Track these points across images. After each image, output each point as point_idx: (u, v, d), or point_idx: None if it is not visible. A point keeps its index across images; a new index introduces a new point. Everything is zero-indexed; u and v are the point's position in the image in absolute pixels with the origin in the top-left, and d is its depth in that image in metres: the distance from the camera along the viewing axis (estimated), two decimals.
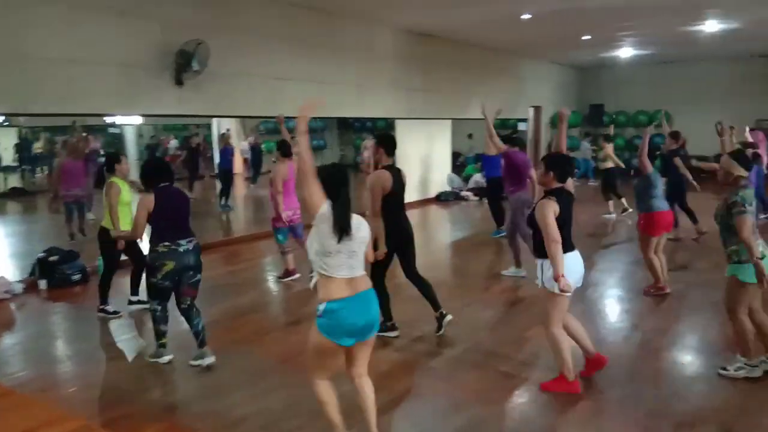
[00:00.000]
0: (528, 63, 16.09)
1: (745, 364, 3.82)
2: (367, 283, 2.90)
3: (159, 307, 4.16)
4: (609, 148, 10.60)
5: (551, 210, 3.48)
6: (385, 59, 10.98)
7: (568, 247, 3.58)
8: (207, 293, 5.14)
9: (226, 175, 11.93)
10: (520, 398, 3.73)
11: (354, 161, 23.01)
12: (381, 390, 3.79)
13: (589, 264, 4.71)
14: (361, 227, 2.87)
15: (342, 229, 2.74)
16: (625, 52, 14.89)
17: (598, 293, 5.89)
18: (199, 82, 7.34)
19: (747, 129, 10.05)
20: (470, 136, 15.78)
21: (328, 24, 9.46)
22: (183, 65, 7.03)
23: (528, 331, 4.79)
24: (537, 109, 17.00)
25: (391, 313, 4.72)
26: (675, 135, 8.76)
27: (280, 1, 8.50)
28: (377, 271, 4.44)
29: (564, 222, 3.55)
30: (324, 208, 2.78)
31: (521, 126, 17.18)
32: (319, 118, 14.88)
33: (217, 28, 7.62)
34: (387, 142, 4.59)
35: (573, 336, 3.81)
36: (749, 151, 5.81)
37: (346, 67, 10.02)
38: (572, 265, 3.56)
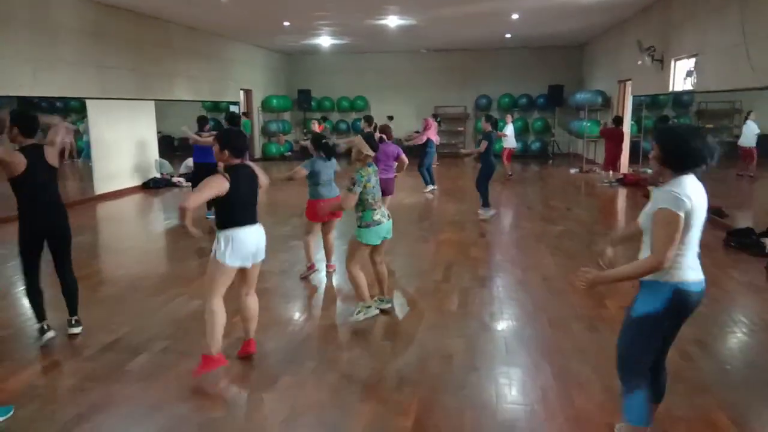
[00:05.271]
0: (236, 46, 16.00)
1: (363, 306, 4.62)
2: None
3: None
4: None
5: (216, 185, 3.56)
6: (68, 33, 9.71)
7: (245, 219, 3.72)
8: None
9: None
10: (220, 386, 3.74)
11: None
12: (67, 406, 3.42)
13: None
14: None
15: None
16: (325, 40, 15.89)
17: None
18: None
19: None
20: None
21: None
22: None
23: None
24: (248, 93, 17.07)
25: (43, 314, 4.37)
26: (368, 119, 9.68)
27: None
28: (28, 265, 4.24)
29: (238, 197, 3.66)
30: None
31: (233, 109, 17.07)
32: None
33: None
34: (24, 121, 4.22)
35: (243, 313, 3.96)
36: (377, 135, 7.30)
37: (16, 40, 8.60)
38: (244, 239, 3.67)
